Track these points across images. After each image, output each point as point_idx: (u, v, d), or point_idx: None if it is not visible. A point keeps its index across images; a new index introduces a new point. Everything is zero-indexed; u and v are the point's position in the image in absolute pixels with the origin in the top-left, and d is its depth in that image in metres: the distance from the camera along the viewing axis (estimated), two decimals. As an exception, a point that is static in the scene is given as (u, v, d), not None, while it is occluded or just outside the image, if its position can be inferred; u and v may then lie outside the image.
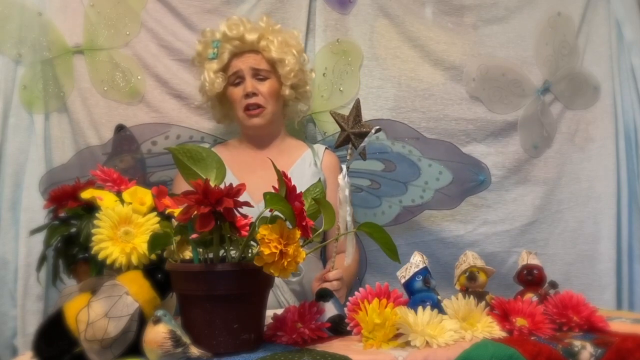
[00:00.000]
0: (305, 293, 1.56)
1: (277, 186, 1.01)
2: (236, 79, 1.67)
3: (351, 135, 1.26)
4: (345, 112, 1.89)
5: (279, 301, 1.54)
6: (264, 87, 1.65)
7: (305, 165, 1.69)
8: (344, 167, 1.25)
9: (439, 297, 1.14)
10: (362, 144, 1.25)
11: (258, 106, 1.64)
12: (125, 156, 1.74)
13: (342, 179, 1.23)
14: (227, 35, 1.65)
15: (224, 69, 1.68)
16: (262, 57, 1.66)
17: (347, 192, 1.21)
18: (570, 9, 1.99)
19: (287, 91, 1.68)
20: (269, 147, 1.72)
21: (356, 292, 1.11)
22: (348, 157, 1.26)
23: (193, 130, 1.81)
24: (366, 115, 1.79)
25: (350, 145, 1.26)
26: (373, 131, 1.24)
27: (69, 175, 1.61)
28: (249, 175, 1.58)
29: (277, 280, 1.54)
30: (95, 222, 1.08)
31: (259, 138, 1.71)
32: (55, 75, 1.77)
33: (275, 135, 1.73)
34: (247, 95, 1.64)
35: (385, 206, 1.82)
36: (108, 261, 1.07)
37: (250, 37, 1.65)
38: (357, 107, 1.28)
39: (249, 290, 1.01)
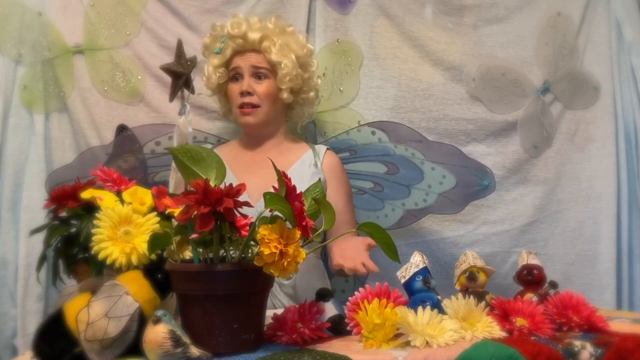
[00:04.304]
0: (298, 297, 1.54)
1: (276, 186, 1.01)
2: (235, 75, 1.67)
3: (171, 72, 1.35)
4: (346, 111, 1.89)
5: (274, 304, 1.54)
6: (261, 87, 1.64)
7: (305, 165, 1.68)
8: (186, 107, 1.35)
9: (439, 297, 1.14)
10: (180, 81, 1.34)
11: (252, 105, 1.64)
12: (128, 156, 1.74)
13: (185, 118, 1.33)
14: (230, 33, 1.65)
15: (226, 64, 1.69)
16: (263, 57, 1.65)
17: (190, 129, 1.36)
18: (570, 9, 1.98)
19: (285, 94, 1.66)
20: (269, 147, 1.71)
21: (356, 292, 1.11)
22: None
23: (196, 131, 1.80)
24: (366, 115, 1.82)
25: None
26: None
27: (73, 176, 1.60)
28: (248, 175, 1.58)
29: None
30: (95, 222, 1.09)
31: (258, 137, 1.71)
32: (55, 75, 1.77)
33: (274, 135, 1.72)
34: (242, 94, 1.64)
35: (388, 209, 1.81)
36: (108, 261, 1.07)
37: (253, 36, 1.64)
38: (178, 47, 1.35)
39: (249, 290, 1.01)
